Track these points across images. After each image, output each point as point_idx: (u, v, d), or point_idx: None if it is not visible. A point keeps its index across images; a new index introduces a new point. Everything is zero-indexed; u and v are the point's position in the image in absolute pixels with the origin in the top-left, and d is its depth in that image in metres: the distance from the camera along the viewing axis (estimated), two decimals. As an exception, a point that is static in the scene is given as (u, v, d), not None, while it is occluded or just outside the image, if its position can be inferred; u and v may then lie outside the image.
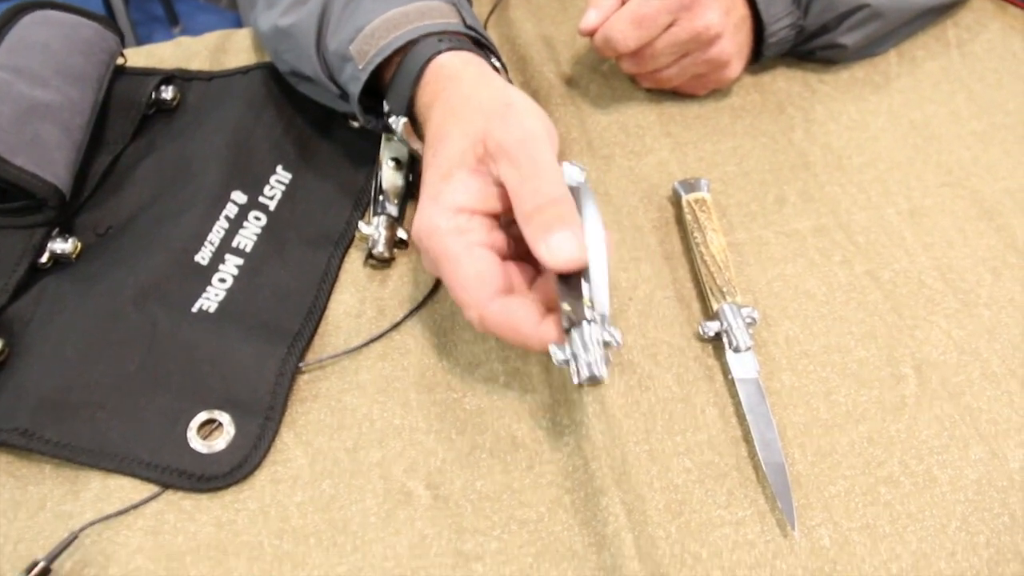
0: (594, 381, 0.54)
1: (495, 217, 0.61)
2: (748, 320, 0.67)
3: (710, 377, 0.67)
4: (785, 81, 0.89)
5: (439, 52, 0.67)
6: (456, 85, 0.65)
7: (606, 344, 0.55)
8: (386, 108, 0.70)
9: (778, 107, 0.86)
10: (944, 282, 0.73)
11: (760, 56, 0.85)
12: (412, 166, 0.77)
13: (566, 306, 0.56)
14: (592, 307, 0.56)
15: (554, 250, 0.56)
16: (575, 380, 0.54)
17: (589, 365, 0.54)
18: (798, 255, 0.74)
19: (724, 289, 0.69)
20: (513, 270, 0.60)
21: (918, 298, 0.72)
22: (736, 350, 0.66)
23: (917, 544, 0.59)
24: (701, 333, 0.68)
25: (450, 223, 0.59)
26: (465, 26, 0.71)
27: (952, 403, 0.66)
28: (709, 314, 0.69)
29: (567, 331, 0.55)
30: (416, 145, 0.70)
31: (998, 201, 0.79)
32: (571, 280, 0.57)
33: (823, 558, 0.58)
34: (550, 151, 0.60)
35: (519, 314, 0.57)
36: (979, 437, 0.64)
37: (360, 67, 0.69)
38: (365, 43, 0.69)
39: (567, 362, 0.55)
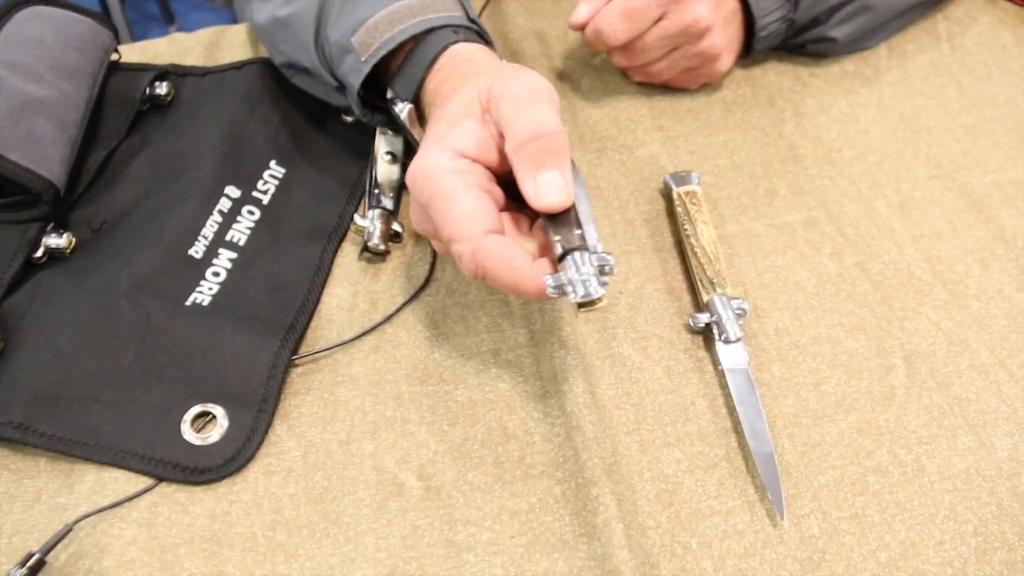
0: (589, 300, 0.53)
1: (494, 172, 0.60)
2: (738, 311, 0.68)
3: (700, 368, 0.67)
4: (776, 75, 0.89)
5: (454, 42, 0.67)
6: (471, 65, 0.65)
7: (601, 269, 0.54)
8: (390, 95, 0.70)
9: (769, 101, 0.87)
10: (933, 273, 0.73)
11: (751, 50, 0.86)
12: (407, 160, 0.77)
13: (557, 237, 0.55)
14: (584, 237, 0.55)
15: (541, 189, 0.56)
16: (572, 299, 0.53)
17: (584, 283, 0.53)
18: (788, 247, 0.75)
19: (714, 281, 0.69)
20: (507, 220, 0.59)
21: (907, 289, 0.72)
22: (726, 341, 0.66)
23: (905, 533, 0.60)
24: (691, 324, 0.68)
25: (450, 163, 0.58)
26: (468, 20, 0.71)
27: (941, 393, 0.67)
28: (699, 306, 0.70)
29: (560, 259, 0.55)
30: (417, 133, 0.70)
31: (987, 193, 0.79)
32: (560, 216, 0.56)
33: (812, 547, 0.59)
34: (549, 103, 0.59)
35: (513, 250, 0.56)
36: (968, 427, 0.65)
37: (363, 59, 0.69)
38: (368, 35, 0.69)
39: (561, 289, 0.54)
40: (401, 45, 0.68)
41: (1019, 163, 0.82)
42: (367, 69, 0.68)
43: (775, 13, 0.82)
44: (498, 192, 0.60)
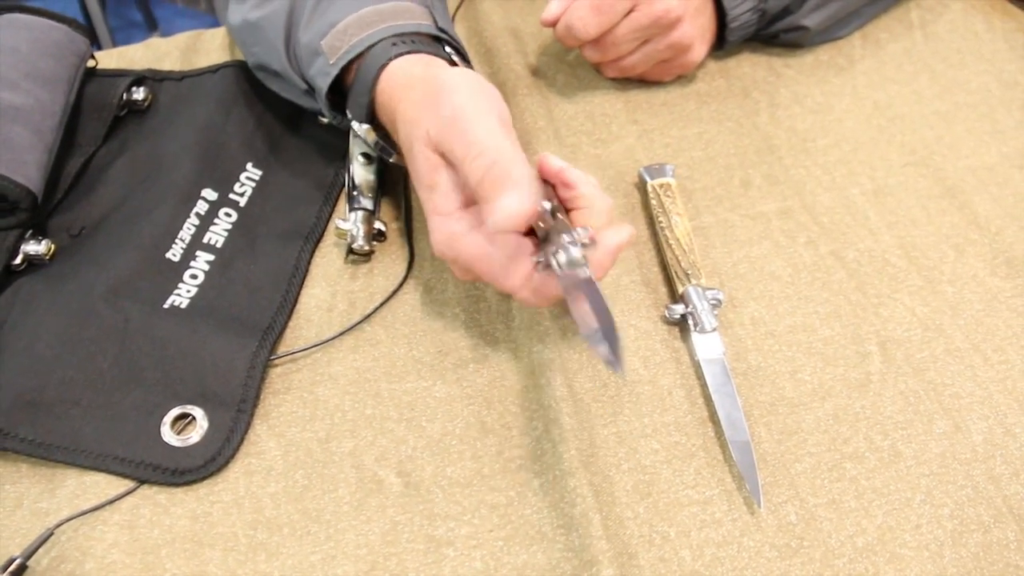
0: (573, 264, 0.56)
1: None
2: (713, 302, 0.68)
3: (677, 359, 0.68)
4: (750, 66, 0.90)
5: (390, 59, 0.67)
6: (409, 93, 0.65)
7: (582, 244, 0.57)
8: (349, 116, 0.71)
9: (743, 92, 0.87)
10: (908, 260, 0.74)
11: (724, 42, 0.86)
12: (383, 160, 0.78)
13: (540, 224, 0.59)
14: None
15: (496, 213, 0.56)
16: (556, 268, 0.57)
17: (567, 248, 0.56)
18: (763, 237, 0.75)
19: (689, 272, 0.70)
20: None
21: (882, 276, 0.73)
22: (701, 331, 0.67)
23: (883, 518, 0.60)
24: (667, 316, 0.69)
25: (461, 224, 0.60)
26: (436, 28, 0.71)
27: (916, 379, 0.67)
28: (675, 297, 0.70)
29: (542, 240, 0.59)
30: (376, 144, 0.71)
31: (961, 179, 0.80)
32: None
33: (790, 534, 0.59)
34: (484, 116, 0.59)
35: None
36: (943, 411, 0.65)
37: (331, 62, 0.69)
38: (337, 39, 0.69)
39: (541, 263, 0.58)
40: (358, 56, 0.68)
41: (992, 148, 0.83)
42: (335, 72, 0.69)
43: (746, 3, 0.83)
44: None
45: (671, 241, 0.71)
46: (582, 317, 0.55)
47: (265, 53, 0.76)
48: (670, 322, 0.69)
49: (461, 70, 0.65)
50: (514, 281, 0.60)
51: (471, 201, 0.61)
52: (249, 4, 0.77)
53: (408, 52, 0.68)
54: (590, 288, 0.56)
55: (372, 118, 0.70)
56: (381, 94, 0.67)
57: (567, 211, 0.62)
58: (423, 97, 0.63)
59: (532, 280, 0.60)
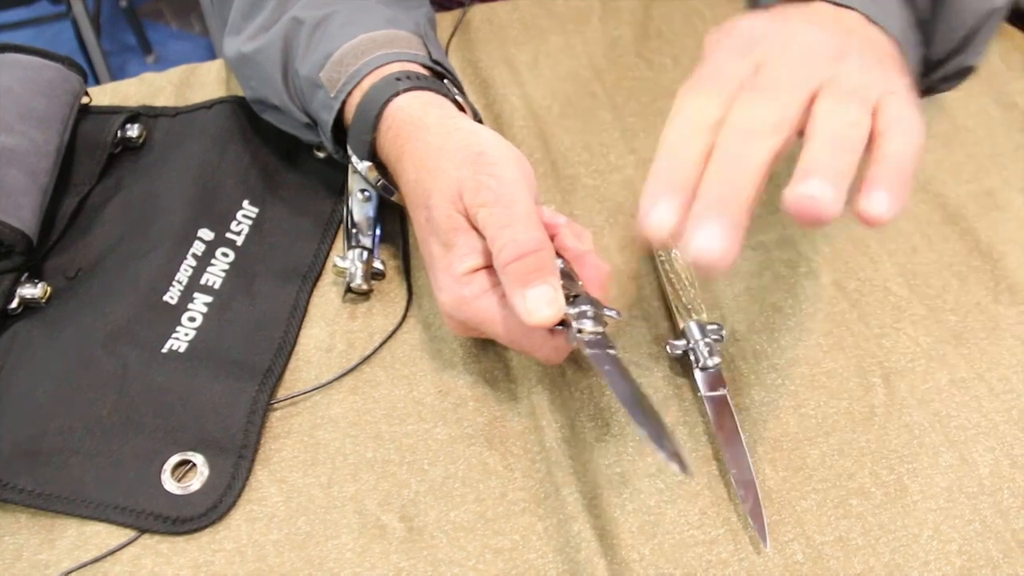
0: (593, 342, 0.58)
1: None
2: (715, 337, 0.68)
3: (679, 396, 0.67)
4: (747, 92, 0.89)
5: (397, 93, 0.66)
6: (422, 134, 0.64)
7: (603, 320, 0.59)
8: (350, 151, 0.70)
9: (741, 119, 0.87)
10: (910, 289, 0.73)
11: None
12: (382, 197, 0.77)
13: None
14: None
15: (531, 305, 0.57)
16: (583, 343, 0.58)
17: (589, 312, 0.58)
18: (764, 268, 0.75)
19: (690, 307, 0.69)
20: None
21: (884, 306, 0.72)
22: (703, 368, 0.66)
23: (890, 555, 0.60)
24: (669, 352, 0.68)
25: (474, 288, 0.60)
26: (431, 59, 0.71)
27: (921, 411, 0.67)
28: (676, 333, 0.70)
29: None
30: (379, 182, 0.70)
31: (962, 205, 0.80)
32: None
33: (796, 573, 0.59)
34: (526, 197, 0.60)
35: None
36: (948, 444, 0.65)
37: (332, 95, 0.69)
38: (334, 70, 0.69)
39: (567, 326, 0.59)
40: (353, 90, 0.68)
41: (992, 172, 0.82)
42: (337, 104, 0.68)
43: (911, 58, 0.65)
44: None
45: (671, 276, 0.71)
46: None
47: (262, 86, 0.75)
48: (672, 358, 0.69)
49: (493, 133, 0.64)
50: (534, 343, 0.61)
51: (484, 267, 0.61)
52: (243, 36, 0.76)
53: (412, 89, 0.67)
54: (613, 373, 0.57)
55: (373, 155, 0.69)
56: (386, 131, 0.67)
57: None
58: (452, 151, 0.62)
59: (555, 342, 0.61)
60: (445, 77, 0.72)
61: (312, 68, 0.70)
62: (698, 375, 0.66)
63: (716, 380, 0.66)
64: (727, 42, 0.56)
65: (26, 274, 0.72)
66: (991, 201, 0.80)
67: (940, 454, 0.64)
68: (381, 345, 0.70)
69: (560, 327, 0.59)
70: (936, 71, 0.70)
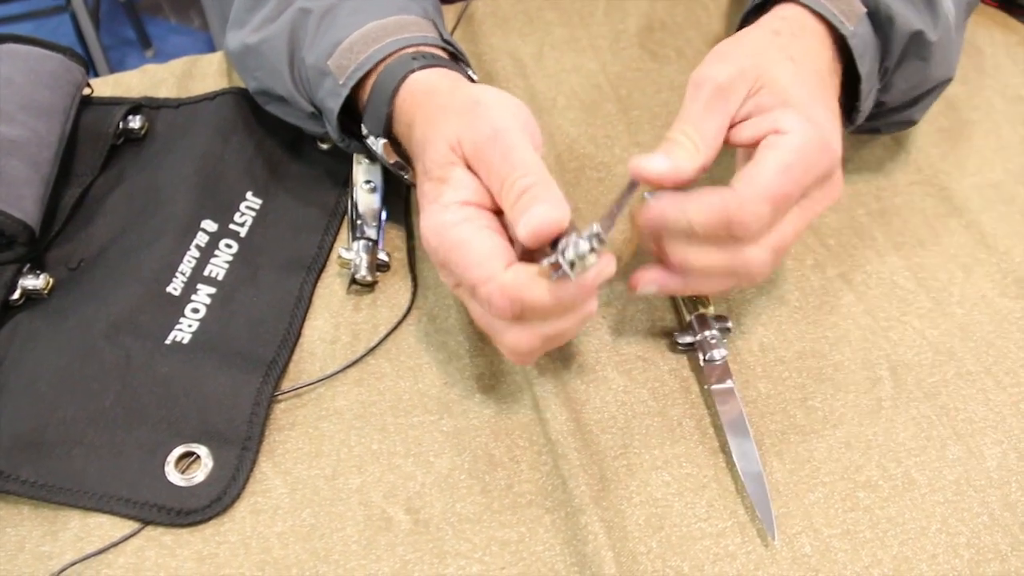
0: (582, 259, 0.53)
1: (498, 214, 0.59)
2: (722, 329, 0.67)
3: (686, 389, 0.67)
4: (752, 85, 0.89)
5: (412, 71, 0.66)
6: (432, 98, 0.64)
7: (593, 244, 0.53)
8: (364, 131, 0.70)
9: (746, 112, 0.86)
10: (916, 281, 0.73)
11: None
12: (387, 188, 0.77)
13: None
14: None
15: (532, 218, 0.54)
16: (564, 265, 0.54)
17: (576, 244, 0.53)
18: (770, 261, 0.74)
19: (696, 300, 0.69)
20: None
21: (891, 299, 0.72)
22: (710, 361, 0.66)
23: (898, 548, 0.59)
24: (676, 345, 0.68)
25: (456, 215, 0.58)
26: (442, 40, 0.70)
27: (928, 403, 0.66)
28: (682, 326, 0.69)
29: (553, 245, 0.55)
30: (393, 162, 0.69)
31: (967, 197, 0.79)
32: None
33: (805, 566, 0.59)
34: (522, 142, 0.58)
35: (535, 276, 0.55)
36: (956, 436, 0.65)
37: (340, 82, 0.68)
38: (344, 57, 0.68)
39: (554, 264, 0.54)
40: (369, 72, 0.67)
41: (997, 165, 0.82)
42: (345, 92, 0.68)
43: (869, 100, 0.71)
44: (506, 236, 0.59)
45: None
46: None
47: (268, 77, 0.75)
48: (678, 351, 0.69)
49: (492, 88, 0.63)
50: (481, 272, 0.56)
51: (473, 204, 0.59)
52: (248, 28, 0.76)
53: (428, 66, 0.66)
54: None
55: (388, 132, 0.69)
56: (402, 103, 0.66)
57: None
58: (454, 105, 0.61)
59: (504, 277, 0.56)
60: (458, 58, 0.71)
61: (320, 56, 0.69)
62: (705, 368, 0.66)
63: (723, 372, 0.66)
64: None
65: (28, 265, 0.72)
66: (996, 194, 0.80)
67: (948, 447, 0.64)
68: (386, 337, 0.70)
69: (551, 262, 0.55)
70: (885, 117, 0.75)
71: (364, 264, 0.71)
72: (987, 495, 0.62)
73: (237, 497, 0.62)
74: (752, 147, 0.60)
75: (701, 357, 0.67)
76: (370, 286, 0.73)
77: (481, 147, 0.58)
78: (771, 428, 0.65)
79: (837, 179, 0.63)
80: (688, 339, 0.67)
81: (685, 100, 0.62)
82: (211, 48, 2.30)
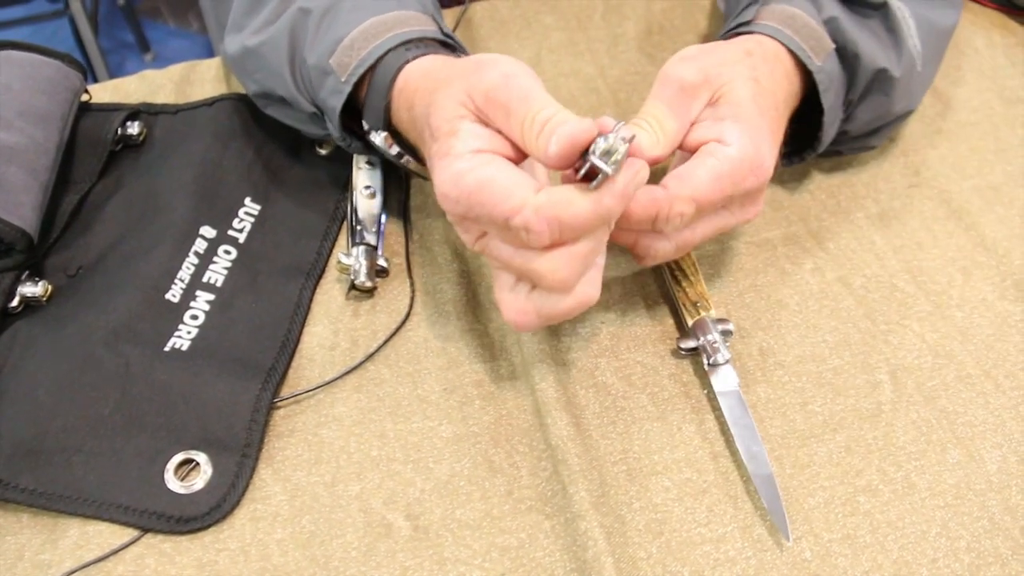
0: (613, 152, 0.53)
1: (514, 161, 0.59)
2: (724, 332, 0.67)
3: (686, 394, 0.67)
4: (751, 88, 0.89)
5: (407, 61, 0.66)
6: (429, 76, 0.64)
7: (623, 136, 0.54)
8: (365, 127, 0.70)
9: (745, 115, 0.86)
10: (916, 285, 0.73)
11: (790, 160, 0.78)
12: (386, 193, 0.77)
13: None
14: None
15: (560, 134, 0.54)
16: (596, 161, 0.53)
17: (606, 138, 0.53)
18: (769, 265, 0.74)
19: (697, 303, 0.69)
20: None
21: (890, 303, 0.72)
22: (714, 364, 0.66)
23: (898, 553, 0.59)
24: (679, 350, 0.68)
25: (472, 162, 0.57)
26: (442, 33, 0.71)
27: (928, 407, 0.66)
28: (684, 330, 0.69)
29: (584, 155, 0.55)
30: (394, 152, 0.69)
31: (966, 200, 0.79)
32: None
33: (805, 571, 0.58)
34: (535, 83, 0.58)
35: (570, 191, 0.55)
36: (956, 440, 0.65)
37: (343, 79, 0.68)
38: (345, 55, 0.68)
39: (587, 173, 0.55)
40: (370, 68, 0.67)
41: (996, 168, 0.82)
42: (347, 89, 0.68)
43: (831, 129, 0.74)
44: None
45: (676, 273, 0.70)
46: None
47: (268, 79, 0.74)
48: (679, 356, 0.69)
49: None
50: (512, 202, 0.55)
51: (488, 151, 0.58)
52: (247, 31, 0.76)
53: (425, 54, 0.67)
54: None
55: (388, 124, 0.69)
56: (399, 93, 0.66)
57: None
58: (455, 72, 0.60)
59: (538, 199, 0.54)
60: (457, 49, 0.71)
61: (321, 55, 0.69)
62: (710, 372, 0.66)
63: (728, 376, 0.66)
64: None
65: (27, 272, 0.71)
66: (996, 196, 0.80)
67: (948, 451, 0.64)
68: (385, 343, 0.70)
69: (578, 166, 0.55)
70: (846, 143, 0.78)
71: (363, 270, 0.71)
72: (987, 499, 0.62)
73: (236, 504, 0.62)
74: (692, 150, 0.63)
75: (705, 361, 0.67)
76: (369, 292, 0.72)
77: (494, 93, 0.57)
78: (771, 432, 0.65)
79: (758, 201, 0.66)
80: (691, 343, 0.67)
81: (651, 93, 0.65)
82: (210, 52, 2.30)
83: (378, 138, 0.68)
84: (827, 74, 0.69)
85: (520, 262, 0.57)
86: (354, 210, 0.74)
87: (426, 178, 0.68)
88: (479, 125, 0.58)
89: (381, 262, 0.72)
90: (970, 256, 0.75)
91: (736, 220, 0.66)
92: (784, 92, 0.68)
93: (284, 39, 0.72)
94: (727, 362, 0.67)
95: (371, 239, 0.73)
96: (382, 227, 0.75)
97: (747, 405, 0.65)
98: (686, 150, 0.65)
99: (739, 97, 0.64)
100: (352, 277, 0.71)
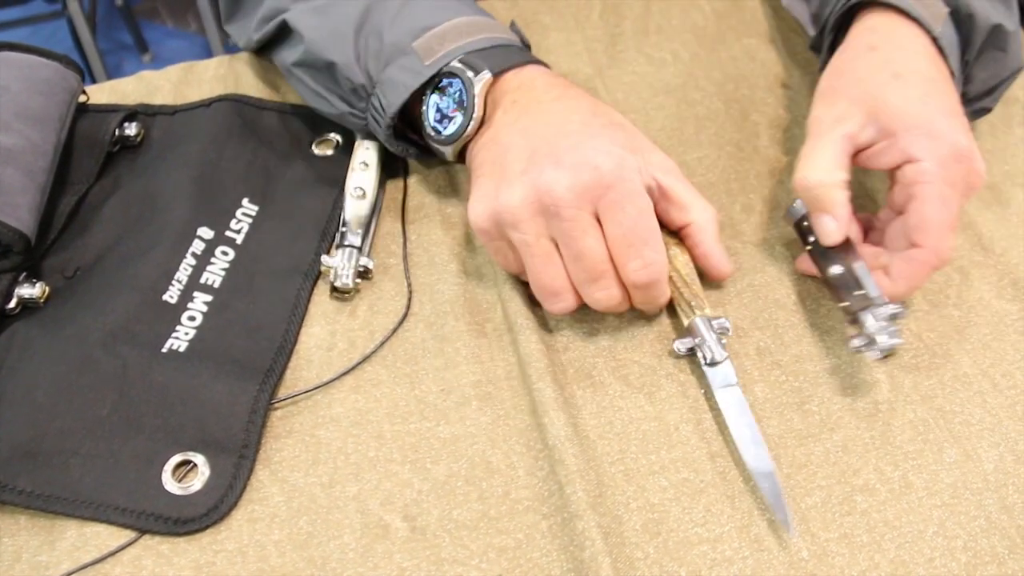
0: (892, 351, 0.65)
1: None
2: (720, 330, 0.67)
3: (683, 393, 0.67)
4: (748, 88, 0.89)
5: (530, 62, 0.72)
6: (571, 89, 0.71)
7: (892, 318, 0.64)
8: (457, 65, 0.71)
9: (742, 114, 0.86)
10: (913, 284, 0.73)
11: None
12: (383, 194, 0.77)
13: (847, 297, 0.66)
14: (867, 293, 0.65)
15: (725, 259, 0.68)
16: (873, 356, 0.65)
17: (882, 333, 0.64)
18: (767, 264, 0.74)
19: (693, 303, 0.69)
20: None
21: (887, 301, 0.72)
22: (712, 363, 0.66)
23: (895, 552, 0.59)
24: (675, 350, 0.68)
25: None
26: (522, 43, 0.75)
27: (925, 406, 0.66)
28: (680, 330, 0.69)
29: (854, 319, 0.66)
30: (479, 104, 0.71)
31: (963, 199, 0.79)
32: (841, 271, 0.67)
33: (802, 571, 0.58)
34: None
35: None
36: (953, 439, 0.65)
37: (426, 63, 0.71)
38: (435, 42, 0.71)
39: (865, 346, 0.64)
40: (455, 61, 0.71)
41: (993, 167, 0.82)
42: (430, 72, 0.71)
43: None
44: None
45: (672, 273, 0.70)
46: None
47: (324, 39, 0.75)
48: (676, 356, 0.69)
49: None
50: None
51: None
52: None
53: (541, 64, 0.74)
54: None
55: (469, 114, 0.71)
56: (535, 72, 0.72)
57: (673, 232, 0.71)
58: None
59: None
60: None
61: (404, 35, 0.72)
62: (708, 371, 0.66)
63: (727, 374, 0.66)
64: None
65: (24, 274, 0.72)
66: (993, 196, 0.80)
67: (945, 450, 0.64)
68: (382, 343, 0.70)
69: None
70: (965, 107, 0.75)
71: (344, 272, 0.71)
72: (984, 498, 0.62)
73: (234, 505, 0.62)
74: (891, 171, 0.68)
75: (703, 361, 0.67)
76: (350, 293, 0.73)
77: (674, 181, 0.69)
78: (768, 431, 0.65)
79: (978, 170, 0.67)
80: (687, 343, 0.67)
81: (809, 142, 0.70)
82: (208, 52, 2.30)
83: (480, 81, 0.70)
84: (947, 39, 0.71)
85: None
86: (341, 212, 0.75)
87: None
88: None
89: (364, 261, 0.73)
90: (967, 255, 0.75)
91: (970, 195, 0.68)
92: (929, 64, 0.70)
93: (358, 5, 0.74)
94: (724, 359, 0.67)
95: (354, 241, 0.73)
96: (372, 228, 0.75)
97: (746, 402, 0.65)
98: (881, 170, 0.69)
99: (893, 105, 0.67)
100: (332, 279, 0.72)
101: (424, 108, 0.73)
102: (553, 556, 0.59)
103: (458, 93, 0.71)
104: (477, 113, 0.70)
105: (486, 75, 0.70)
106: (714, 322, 0.68)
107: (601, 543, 0.59)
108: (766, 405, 0.66)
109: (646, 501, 0.62)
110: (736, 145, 0.84)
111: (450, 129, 0.72)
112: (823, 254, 0.69)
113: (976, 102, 0.78)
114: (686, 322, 0.69)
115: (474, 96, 0.70)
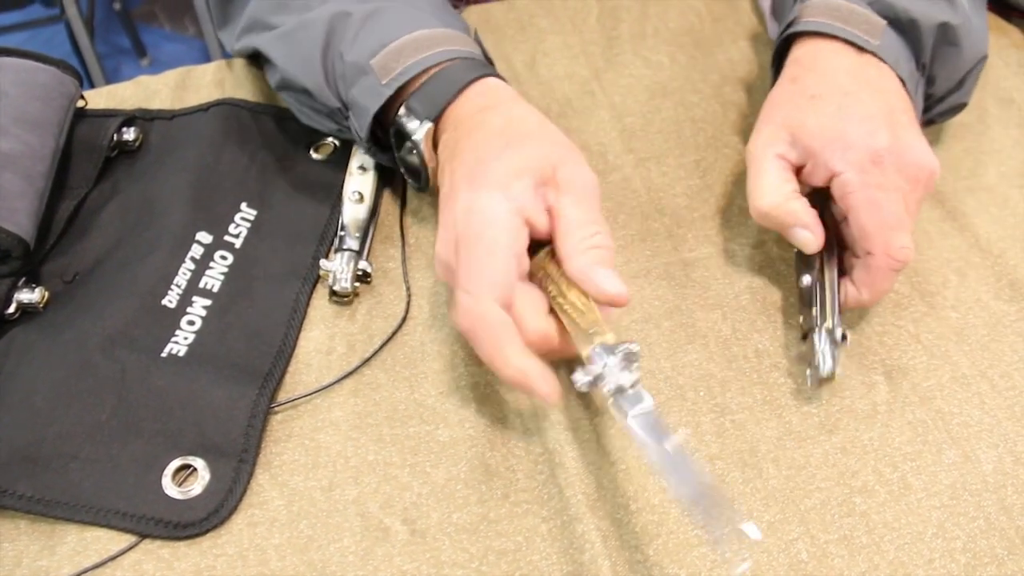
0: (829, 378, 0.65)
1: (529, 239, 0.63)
2: (626, 355, 0.58)
3: (681, 396, 0.67)
4: (745, 90, 0.89)
5: (490, 75, 0.71)
6: (520, 106, 0.70)
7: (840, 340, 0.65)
8: (403, 111, 0.70)
9: (740, 116, 0.87)
10: (910, 285, 0.73)
11: None
12: (381, 197, 0.77)
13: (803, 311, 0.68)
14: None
15: (603, 279, 0.60)
16: (818, 376, 0.65)
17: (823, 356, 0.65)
18: (764, 266, 0.74)
19: (592, 330, 0.60)
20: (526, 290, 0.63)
21: (885, 303, 0.72)
22: (619, 391, 0.58)
23: (895, 553, 0.59)
24: (576, 386, 0.59)
25: (509, 219, 0.61)
26: (484, 57, 0.74)
27: (924, 408, 0.66)
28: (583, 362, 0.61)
29: (804, 336, 0.68)
30: (428, 155, 0.71)
31: (960, 201, 0.79)
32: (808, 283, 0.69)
33: (802, 572, 0.59)
34: (598, 203, 0.65)
35: (509, 331, 0.60)
36: (952, 441, 0.65)
37: (383, 82, 0.70)
38: (391, 59, 0.70)
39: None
40: (413, 79, 0.70)
41: (990, 168, 0.82)
42: (388, 92, 0.69)
43: (917, 98, 0.75)
44: (526, 262, 0.63)
45: (565, 307, 0.62)
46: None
47: (296, 67, 0.75)
48: (580, 392, 0.61)
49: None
50: (476, 290, 0.60)
51: (525, 220, 0.63)
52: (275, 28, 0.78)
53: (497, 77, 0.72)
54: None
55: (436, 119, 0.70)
56: (475, 97, 0.70)
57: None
58: (560, 138, 0.68)
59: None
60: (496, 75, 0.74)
61: (361, 54, 0.71)
62: (614, 400, 0.58)
63: (636, 399, 0.57)
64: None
65: (23, 279, 0.72)
66: (990, 197, 0.80)
67: (943, 451, 0.64)
68: (381, 347, 0.70)
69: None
70: (936, 107, 0.79)
71: (341, 275, 0.71)
72: (983, 499, 0.62)
73: (234, 509, 0.62)
74: (825, 188, 0.69)
75: (605, 390, 0.58)
76: (348, 297, 0.73)
77: (580, 188, 0.64)
78: (767, 434, 0.65)
79: (914, 162, 0.68)
80: (586, 377, 0.59)
81: (750, 173, 0.71)
82: (206, 56, 2.30)
83: (420, 131, 0.70)
84: (889, 49, 0.71)
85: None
86: (340, 215, 0.75)
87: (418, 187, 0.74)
88: (536, 191, 0.64)
89: (363, 265, 0.73)
90: (965, 257, 0.75)
91: (920, 193, 0.69)
92: (852, 68, 0.71)
93: (321, 29, 0.73)
94: (634, 383, 0.58)
95: (353, 244, 0.73)
96: (370, 232, 0.75)
97: (665, 426, 0.57)
98: (816, 187, 0.70)
99: (808, 126, 0.68)
100: (331, 283, 0.72)
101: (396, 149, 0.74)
102: (553, 559, 0.59)
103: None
104: (431, 165, 0.72)
105: (426, 125, 0.70)
106: (617, 348, 0.58)
107: (601, 545, 0.59)
108: (765, 407, 0.66)
109: (646, 502, 0.62)
110: (733, 148, 0.84)
111: (414, 182, 0.75)
112: (804, 262, 0.70)
113: (947, 99, 0.79)
114: (584, 353, 0.60)
115: (422, 152, 0.71)
